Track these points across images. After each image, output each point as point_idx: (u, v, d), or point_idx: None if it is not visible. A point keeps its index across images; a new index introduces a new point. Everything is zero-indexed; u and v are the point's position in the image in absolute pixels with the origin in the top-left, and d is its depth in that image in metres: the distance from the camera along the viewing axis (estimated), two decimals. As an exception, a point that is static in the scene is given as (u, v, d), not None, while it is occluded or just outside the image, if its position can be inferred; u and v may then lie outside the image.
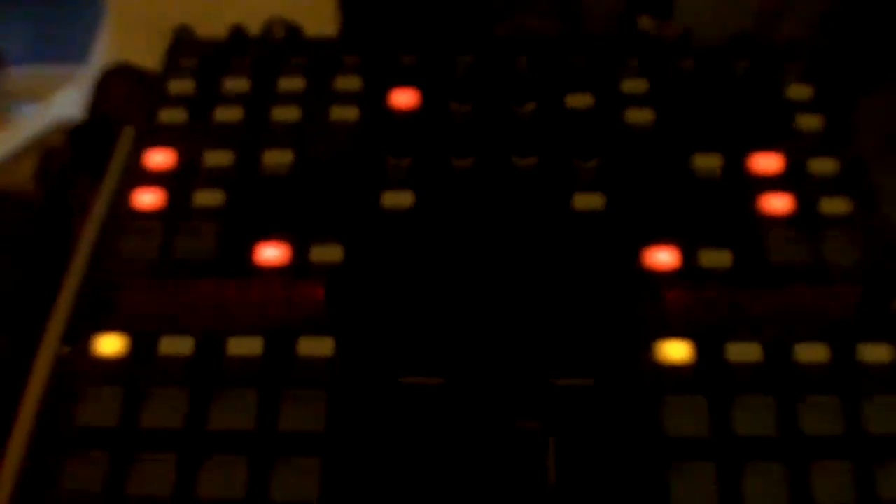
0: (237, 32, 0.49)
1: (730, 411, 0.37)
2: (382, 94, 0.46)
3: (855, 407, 0.37)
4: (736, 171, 0.43)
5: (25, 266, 0.52)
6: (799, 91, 0.46)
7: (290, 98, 0.46)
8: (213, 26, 0.49)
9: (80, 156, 0.57)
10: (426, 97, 0.46)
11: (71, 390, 0.38)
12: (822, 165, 0.43)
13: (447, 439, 0.37)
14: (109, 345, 0.39)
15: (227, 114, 0.45)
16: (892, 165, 0.46)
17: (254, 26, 0.49)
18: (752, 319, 0.39)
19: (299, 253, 0.41)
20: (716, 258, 0.40)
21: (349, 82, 0.46)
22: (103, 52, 0.69)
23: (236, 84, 0.47)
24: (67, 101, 0.65)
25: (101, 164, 0.47)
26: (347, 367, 0.38)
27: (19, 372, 0.40)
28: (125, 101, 0.58)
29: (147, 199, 0.43)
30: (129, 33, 0.68)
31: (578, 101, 0.46)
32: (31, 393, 0.39)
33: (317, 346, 0.38)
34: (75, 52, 0.71)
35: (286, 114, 0.45)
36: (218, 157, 0.44)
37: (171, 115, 0.46)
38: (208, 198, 0.43)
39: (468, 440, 0.36)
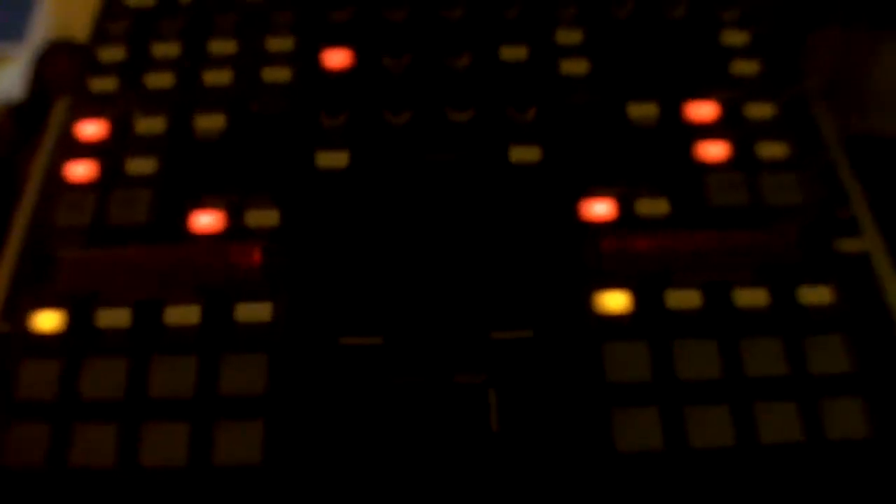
0: None
1: (671, 356, 0.37)
2: (315, 54, 0.46)
3: (797, 348, 0.37)
4: (672, 119, 0.43)
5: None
6: (735, 37, 0.46)
7: (221, 61, 0.45)
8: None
9: (23, 133, 0.56)
10: (359, 54, 0.45)
11: (9, 366, 0.37)
12: (759, 110, 0.43)
13: (389, 398, 0.36)
14: (46, 320, 0.38)
15: (159, 79, 0.45)
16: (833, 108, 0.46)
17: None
18: (690, 265, 0.39)
19: (235, 217, 0.40)
20: (653, 206, 0.40)
21: (281, 42, 0.46)
22: (42, 29, 0.68)
23: (166, 48, 0.46)
24: (7, 80, 0.63)
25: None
26: (286, 329, 0.38)
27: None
28: (66, 77, 0.57)
29: (80, 170, 0.42)
30: (67, 8, 0.67)
31: (513, 52, 0.45)
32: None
33: (255, 312, 0.38)
34: (12, 31, 0.70)
35: (218, 77, 0.45)
36: (150, 124, 0.43)
37: (102, 84, 0.45)
38: (141, 165, 0.42)
39: (410, 398, 0.36)
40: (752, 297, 0.38)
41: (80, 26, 0.55)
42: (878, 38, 0.56)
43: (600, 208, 0.40)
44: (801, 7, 0.55)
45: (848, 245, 0.40)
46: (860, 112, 0.53)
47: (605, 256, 0.39)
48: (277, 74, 0.45)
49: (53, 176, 0.42)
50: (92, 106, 0.44)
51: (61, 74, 0.58)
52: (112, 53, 0.46)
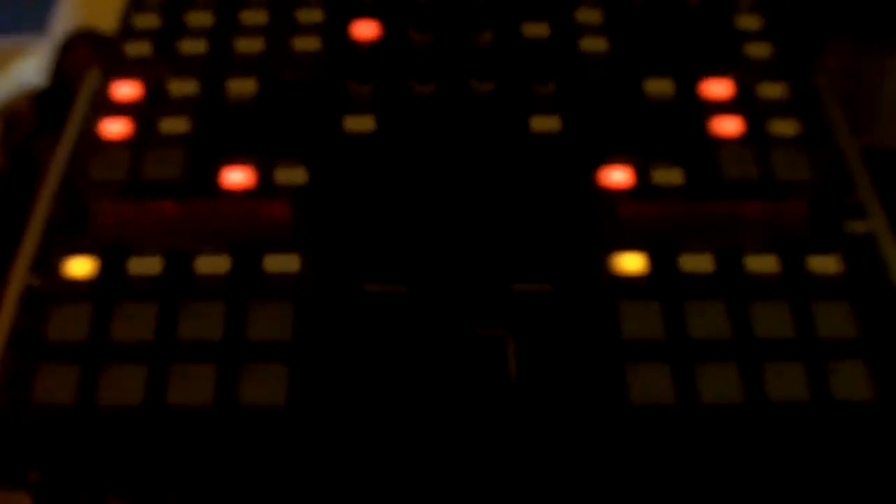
0: None
1: (683, 316, 0.38)
2: (344, 26, 0.47)
3: (804, 312, 0.38)
4: (688, 95, 0.44)
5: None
6: (748, 21, 0.47)
7: (253, 30, 0.47)
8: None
9: (45, 120, 0.57)
10: (387, 27, 0.47)
11: (42, 311, 0.38)
12: (771, 90, 0.44)
13: (411, 345, 0.38)
14: (78, 266, 0.40)
15: (192, 46, 0.46)
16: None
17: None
18: (704, 232, 0.40)
19: (265, 175, 0.42)
20: (668, 175, 0.42)
21: (311, 15, 0.47)
22: (64, 20, 0.68)
23: (200, 18, 0.47)
24: (29, 70, 0.64)
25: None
26: (313, 277, 0.39)
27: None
28: (87, 66, 0.58)
29: (115, 128, 0.43)
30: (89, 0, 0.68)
31: (535, 30, 0.47)
32: (1, 318, 0.39)
33: (283, 263, 0.39)
34: (34, 24, 0.71)
35: (250, 45, 0.46)
36: (184, 87, 0.45)
37: (137, 49, 0.46)
38: (175, 124, 0.43)
39: (432, 345, 0.38)
40: (762, 264, 0.39)
41: (102, 17, 0.56)
42: (887, 52, 0.57)
43: (618, 176, 0.42)
44: (814, 21, 0.56)
45: (855, 226, 0.41)
46: (869, 124, 0.54)
47: (621, 221, 0.41)
48: (307, 44, 0.46)
49: (87, 133, 0.44)
50: (126, 69, 0.46)
51: (83, 63, 0.59)
52: (146, 21, 0.47)
